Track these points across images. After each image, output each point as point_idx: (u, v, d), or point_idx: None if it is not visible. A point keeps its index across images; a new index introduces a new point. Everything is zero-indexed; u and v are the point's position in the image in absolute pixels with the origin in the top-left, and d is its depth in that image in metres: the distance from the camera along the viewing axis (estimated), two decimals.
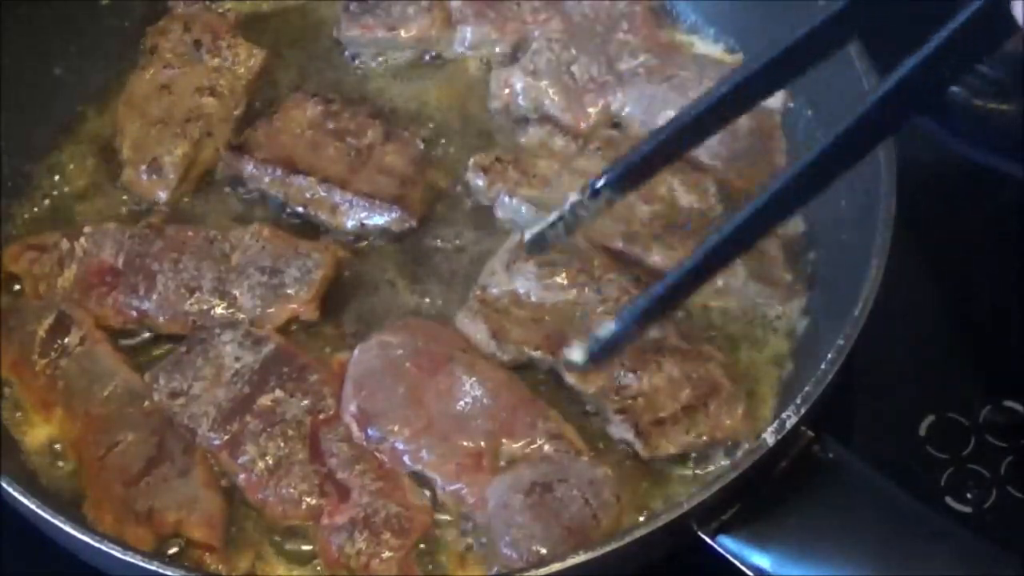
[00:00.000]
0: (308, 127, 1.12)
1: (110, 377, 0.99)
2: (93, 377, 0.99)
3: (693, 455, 0.96)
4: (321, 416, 0.96)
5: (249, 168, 1.10)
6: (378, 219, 1.08)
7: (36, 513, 0.87)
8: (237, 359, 0.99)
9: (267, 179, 1.09)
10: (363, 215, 1.08)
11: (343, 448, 0.94)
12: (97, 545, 0.85)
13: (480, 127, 1.15)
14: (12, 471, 0.90)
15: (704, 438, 0.95)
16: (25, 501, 0.87)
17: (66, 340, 1.01)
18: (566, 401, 0.98)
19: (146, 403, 0.98)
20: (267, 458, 0.94)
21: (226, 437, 0.96)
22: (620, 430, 0.96)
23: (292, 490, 0.93)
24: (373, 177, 1.09)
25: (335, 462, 0.94)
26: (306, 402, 0.97)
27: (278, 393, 0.97)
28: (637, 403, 0.96)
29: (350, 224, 1.08)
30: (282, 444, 0.95)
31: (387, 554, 0.90)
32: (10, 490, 0.88)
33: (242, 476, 0.94)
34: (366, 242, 1.08)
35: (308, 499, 0.93)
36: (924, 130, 1.16)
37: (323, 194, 1.08)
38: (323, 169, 1.09)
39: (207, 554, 0.92)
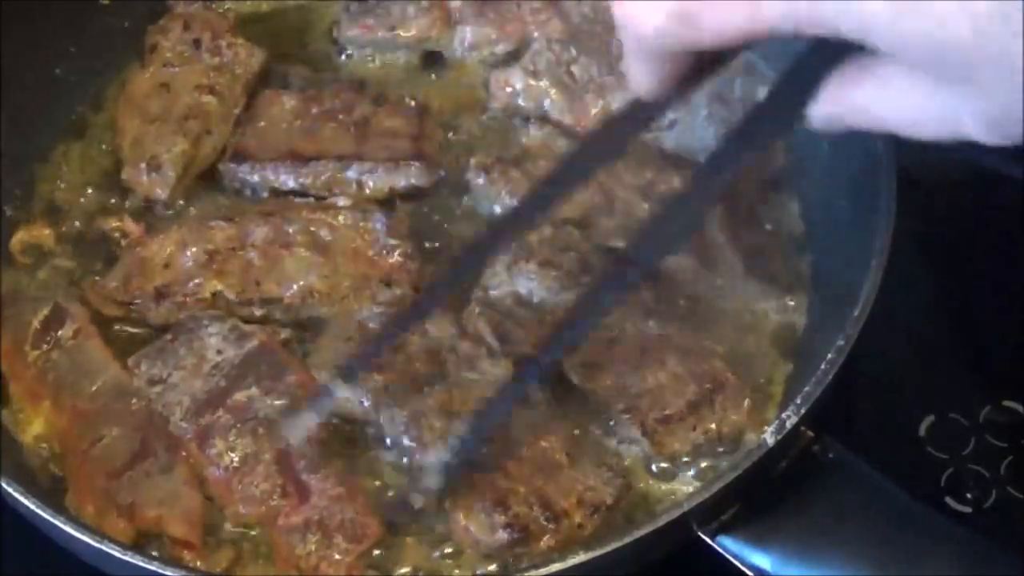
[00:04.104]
0: (294, 118, 1.12)
1: (99, 372, 0.99)
2: (83, 371, 0.99)
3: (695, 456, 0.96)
4: None
5: (257, 172, 1.10)
6: (404, 180, 1.09)
7: (36, 513, 0.87)
8: (219, 352, 0.99)
9: (282, 176, 1.09)
10: (389, 179, 1.08)
11: (312, 451, 0.94)
12: (97, 545, 0.84)
13: (480, 127, 1.15)
14: (12, 471, 0.90)
15: (711, 434, 0.95)
16: (25, 501, 0.87)
17: (59, 333, 1.01)
18: (570, 402, 0.98)
19: (133, 400, 0.98)
20: (234, 454, 0.95)
21: (197, 428, 0.96)
22: (627, 429, 0.96)
23: (254, 489, 0.93)
24: (383, 143, 1.10)
25: (302, 464, 0.94)
26: (280, 402, 0.96)
27: (253, 390, 0.97)
28: (643, 401, 0.96)
29: (376, 192, 1.09)
30: (250, 441, 0.95)
31: (337, 557, 0.90)
32: (10, 490, 0.88)
33: (209, 469, 0.94)
34: (396, 207, 1.09)
35: (268, 500, 0.93)
36: None
37: (341, 173, 1.09)
38: (330, 150, 1.10)
39: (186, 551, 0.92)
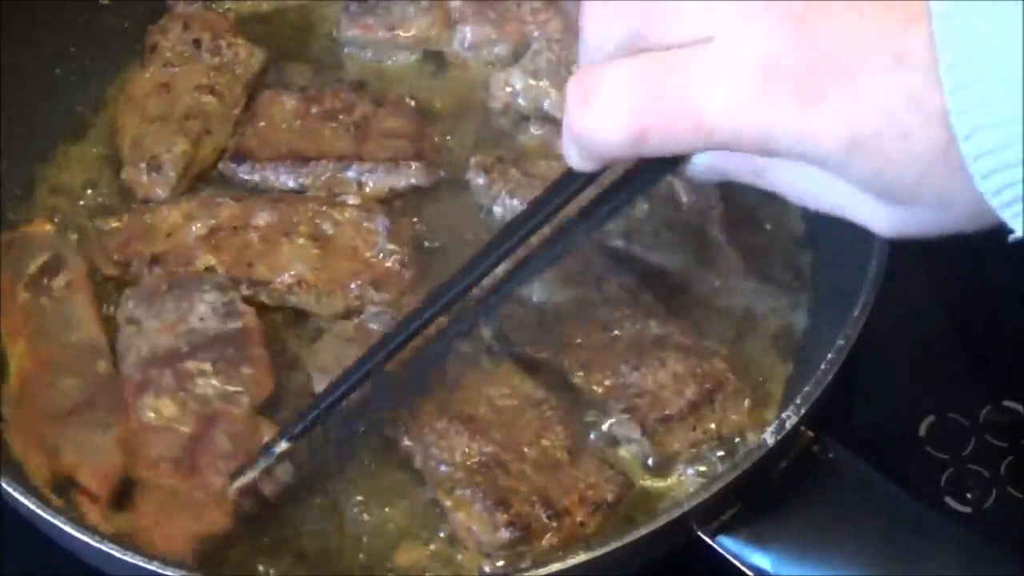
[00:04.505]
0: (295, 118, 1.12)
1: (78, 328, 1.01)
2: (63, 323, 1.01)
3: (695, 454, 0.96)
4: (232, 409, 0.96)
5: (257, 172, 1.10)
6: (404, 180, 1.09)
7: (36, 513, 0.87)
8: (201, 319, 1.00)
9: (282, 176, 1.10)
10: (389, 179, 1.09)
11: (224, 441, 0.94)
12: (97, 545, 0.85)
13: (480, 127, 1.15)
14: (12, 471, 0.90)
15: (711, 434, 0.96)
16: (25, 501, 0.87)
17: (53, 281, 1.03)
18: (570, 402, 0.98)
19: (102, 363, 0.99)
20: (157, 413, 0.95)
21: (139, 378, 0.97)
22: (626, 429, 0.96)
23: (152, 450, 0.93)
24: (383, 143, 1.10)
25: (212, 447, 0.94)
26: (226, 388, 0.96)
27: (207, 366, 0.97)
28: (643, 401, 0.96)
29: (377, 192, 1.09)
30: (176, 410, 0.95)
31: (169, 528, 0.90)
32: (10, 490, 0.88)
33: (131, 418, 0.95)
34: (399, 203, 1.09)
35: (157, 464, 0.93)
36: None
37: (341, 173, 1.09)
38: (330, 150, 1.10)
39: (91, 503, 0.92)
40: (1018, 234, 0.65)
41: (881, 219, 0.70)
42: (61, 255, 1.05)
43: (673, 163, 0.76)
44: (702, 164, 0.75)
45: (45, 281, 1.03)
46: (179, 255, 1.04)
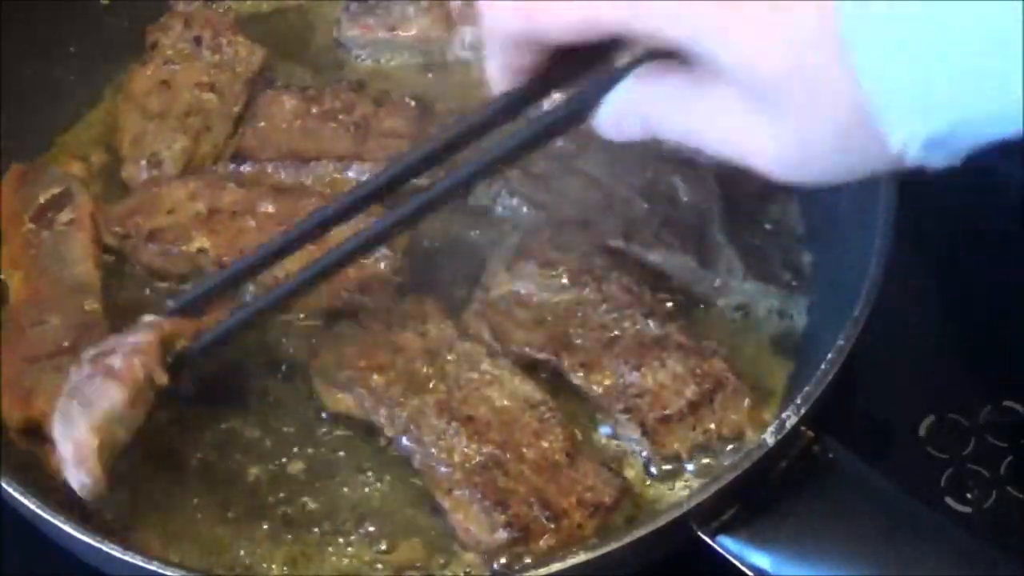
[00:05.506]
0: (294, 118, 1.12)
1: (73, 264, 1.03)
2: (59, 257, 1.03)
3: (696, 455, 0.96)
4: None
5: (259, 171, 1.10)
6: None
7: (36, 513, 0.87)
8: None
9: (283, 176, 1.09)
10: None
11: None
12: (97, 545, 0.85)
13: None
14: (12, 471, 0.90)
15: (711, 434, 0.96)
16: (25, 501, 0.87)
17: (59, 216, 1.05)
18: (571, 403, 0.98)
19: (89, 301, 1.00)
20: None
21: None
22: (626, 429, 0.96)
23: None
24: (382, 143, 1.10)
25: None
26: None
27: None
28: (643, 401, 0.96)
29: None
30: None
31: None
32: (10, 490, 0.88)
33: None
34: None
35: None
36: None
37: (340, 174, 1.09)
38: (330, 150, 1.10)
39: (56, 455, 0.92)
40: (897, 147, 0.66)
41: (769, 149, 0.69)
42: (72, 192, 1.07)
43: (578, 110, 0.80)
44: (608, 114, 0.79)
45: (50, 214, 1.05)
46: (176, 233, 1.05)
